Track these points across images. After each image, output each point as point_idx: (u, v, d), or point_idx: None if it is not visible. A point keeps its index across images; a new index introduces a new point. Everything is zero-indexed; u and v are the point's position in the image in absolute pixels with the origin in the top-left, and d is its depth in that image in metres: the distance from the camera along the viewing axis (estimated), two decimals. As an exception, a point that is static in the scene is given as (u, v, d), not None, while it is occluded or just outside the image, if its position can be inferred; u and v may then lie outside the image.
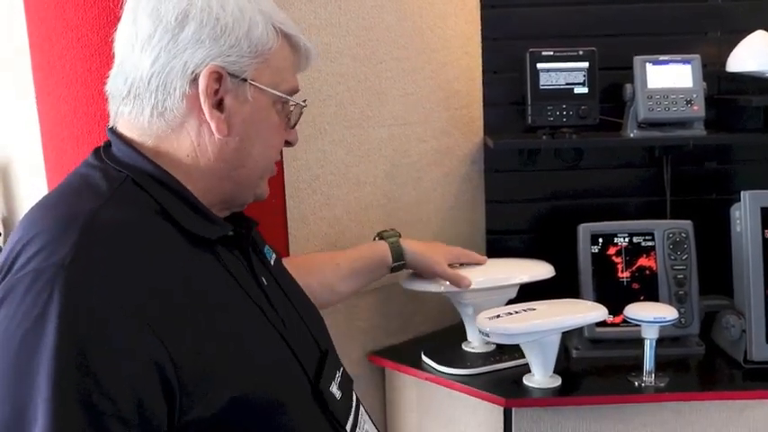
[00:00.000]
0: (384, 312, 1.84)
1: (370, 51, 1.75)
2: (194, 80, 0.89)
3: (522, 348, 1.54)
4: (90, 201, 0.85)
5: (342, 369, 1.07)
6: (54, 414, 0.71)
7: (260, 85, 0.93)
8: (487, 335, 1.49)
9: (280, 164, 1.58)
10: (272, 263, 1.10)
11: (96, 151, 0.94)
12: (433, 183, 1.94)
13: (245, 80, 0.92)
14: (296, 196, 1.65)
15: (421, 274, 1.62)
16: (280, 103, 0.98)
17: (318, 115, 1.67)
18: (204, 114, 0.90)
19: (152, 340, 0.76)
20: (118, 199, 0.86)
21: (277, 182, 1.57)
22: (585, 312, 1.56)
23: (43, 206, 0.89)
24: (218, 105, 0.91)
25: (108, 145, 0.95)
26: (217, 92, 0.90)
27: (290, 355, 0.94)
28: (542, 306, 1.55)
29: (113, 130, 0.94)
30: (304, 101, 1.03)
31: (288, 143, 1.05)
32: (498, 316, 1.50)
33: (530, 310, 1.53)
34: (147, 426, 0.75)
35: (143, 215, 0.87)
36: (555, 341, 1.52)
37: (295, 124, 1.04)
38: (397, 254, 1.55)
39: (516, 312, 1.52)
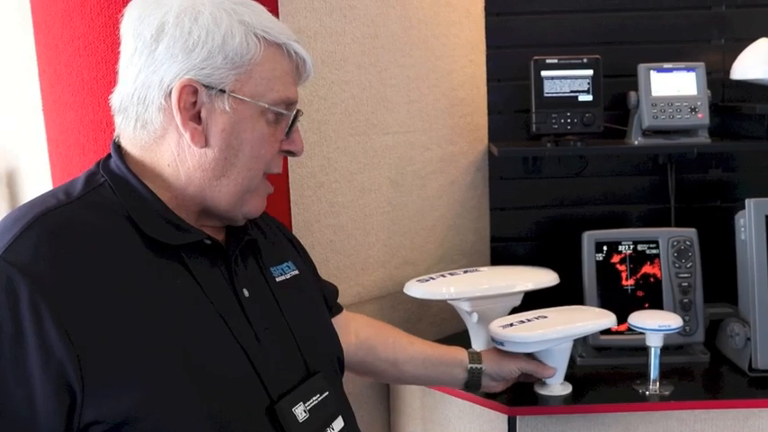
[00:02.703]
0: (389, 319, 1.84)
1: (375, 59, 1.76)
2: (170, 94, 0.92)
3: (536, 356, 1.52)
4: (55, 201, 0.90)
5: (326, 394, 1.03)
6: None
7: (241, 96, 0.94)
8: (502, 344, 1.46)
9: (285, 171, 1.58)
10: (284, 279, 1.09)
11: (98, 161, 0.99)
12: (438, 190, 1.94)
13: (223, 91, 0.93)
14: (300, 204, 1.66)
15: (501, 370, 1.47)
16: (270, 114, 0.97)
17: (323, 123, 1.68)
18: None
19: (60, 337, 0.80)
20: (86, 201, 0.92)
21: (281, 189, 1.58)
22: (597, 319, 1.55)
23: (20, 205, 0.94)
24: (197, 117, 0.93)
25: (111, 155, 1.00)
26: (194, 104, 0.93)
27: (246, 368, 0.94)
28: (553, 313, 1.55)
29: (115, 141, 0.99)
30: (296, 110, 1.00)
31: (289, 153, 1.03)
32: (511, 324, 1.48)
33: (542, 317, 1.52)
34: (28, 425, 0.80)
35: (105, 217, 0.91)
36: (567, 348, 1.52)
37: (290, 134, 1.01)
38: (475, 356, 1.46)
39: (529, 320, 1.51)
